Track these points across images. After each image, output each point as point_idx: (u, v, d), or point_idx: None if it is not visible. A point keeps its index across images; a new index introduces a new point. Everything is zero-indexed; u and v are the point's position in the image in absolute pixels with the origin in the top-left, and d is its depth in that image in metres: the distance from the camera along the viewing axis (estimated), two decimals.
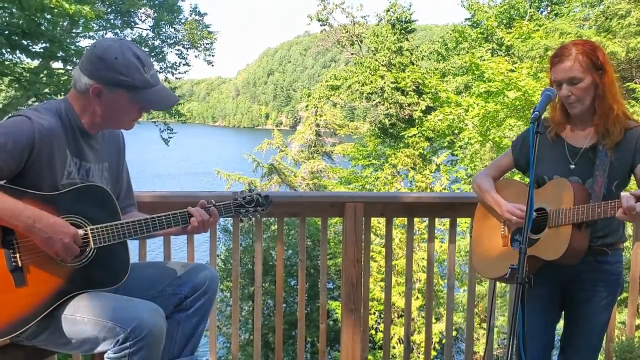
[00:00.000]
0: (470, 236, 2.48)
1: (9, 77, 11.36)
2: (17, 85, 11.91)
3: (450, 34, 20.32)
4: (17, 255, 1.81)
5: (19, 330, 1.82)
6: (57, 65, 13.48)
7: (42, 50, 11.60)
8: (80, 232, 1.86)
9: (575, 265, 2.08)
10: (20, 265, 1.81)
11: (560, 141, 2.19)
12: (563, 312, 2.30)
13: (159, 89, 1.95)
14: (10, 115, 1.92)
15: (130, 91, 1.89)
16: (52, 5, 10.33)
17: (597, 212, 1.96)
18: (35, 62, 12.46)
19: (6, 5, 10.44)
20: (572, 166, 2.14)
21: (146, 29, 17.40)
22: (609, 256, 2.17)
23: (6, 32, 10.10)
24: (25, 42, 10.87)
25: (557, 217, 2.06)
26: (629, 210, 1.84)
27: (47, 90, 11.51)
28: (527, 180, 2.31)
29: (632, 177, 2.15)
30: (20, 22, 10.48)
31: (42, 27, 10.87)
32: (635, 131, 2.09)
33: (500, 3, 18.62)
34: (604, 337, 2.35)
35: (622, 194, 1.90)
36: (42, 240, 1.78)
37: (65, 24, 13.25)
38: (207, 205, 2.07)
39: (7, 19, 10.83)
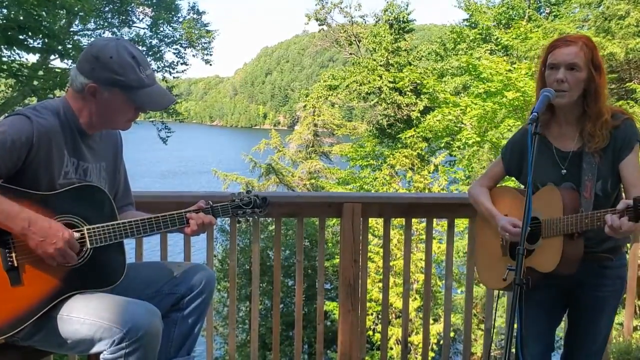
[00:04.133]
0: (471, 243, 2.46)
1: (5, 72, 11.27)
2: (14, 81, 11.82)
3: (449, 35, 20.33)
4: (13, 254, 1.80)
5: (15, 330, 1.80)
6: (55, 63, 13.45)
7: (39, 45, 11.51)
8: (76, 234, 1.84)
9: (578, 272, 2.04)
10: (16, 264, 1.80)
11: (548, 145, 2.15)
12: (567, 315, 2.27)
13: (154, 89, 1.94)
14: (8, 114, 1.91)
15: (126, 91, 1.88)
16: None
17: (585, 222, 1.95)
18: (33, 59, 12.40)
19: (4, 0, 10.37)
20: (564, 171, 2.11)
21: (144, 28, 17.35)
22: (614, 261, 2.14)
23: (3, 28, 10.02)
24: (22, 37, 10.78)
25: (548, 227, 2.04)
26: (613, 229, 1.83)
27: (44, 86, 11.43)
28: (522, 186, 2.30)
29: None
30: (18, 17, 10.39)
31: (40, 21, 10.76)
32: (620, 128, 2.06)
33: (499, 4, 18.65)
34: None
35: (607, 216, 1.86)
36: (36, 244, 1.77)
37: (62, 22, 13.20)
38: (205, 207, 2.06)
39: (5, 13, 10.73)
